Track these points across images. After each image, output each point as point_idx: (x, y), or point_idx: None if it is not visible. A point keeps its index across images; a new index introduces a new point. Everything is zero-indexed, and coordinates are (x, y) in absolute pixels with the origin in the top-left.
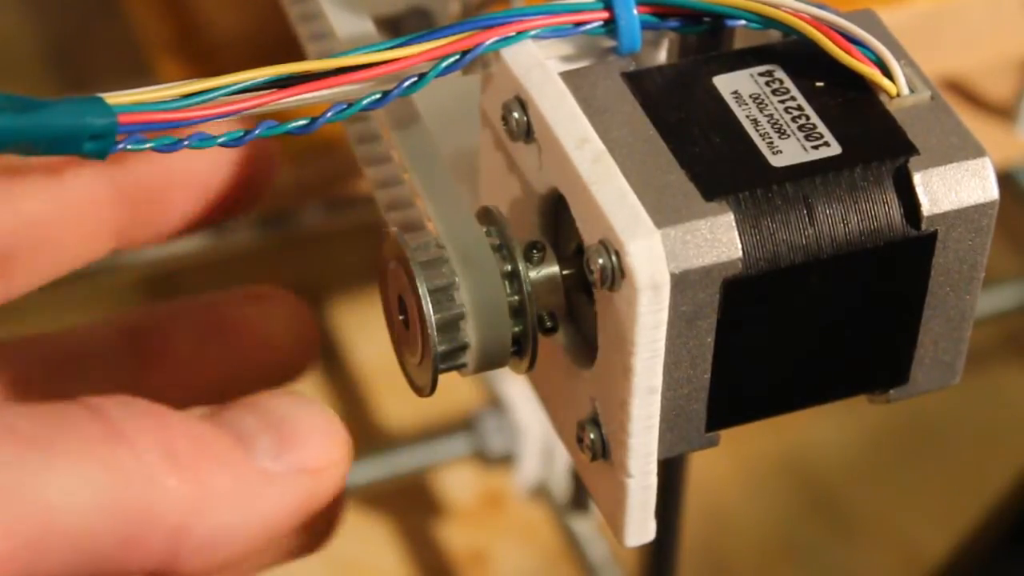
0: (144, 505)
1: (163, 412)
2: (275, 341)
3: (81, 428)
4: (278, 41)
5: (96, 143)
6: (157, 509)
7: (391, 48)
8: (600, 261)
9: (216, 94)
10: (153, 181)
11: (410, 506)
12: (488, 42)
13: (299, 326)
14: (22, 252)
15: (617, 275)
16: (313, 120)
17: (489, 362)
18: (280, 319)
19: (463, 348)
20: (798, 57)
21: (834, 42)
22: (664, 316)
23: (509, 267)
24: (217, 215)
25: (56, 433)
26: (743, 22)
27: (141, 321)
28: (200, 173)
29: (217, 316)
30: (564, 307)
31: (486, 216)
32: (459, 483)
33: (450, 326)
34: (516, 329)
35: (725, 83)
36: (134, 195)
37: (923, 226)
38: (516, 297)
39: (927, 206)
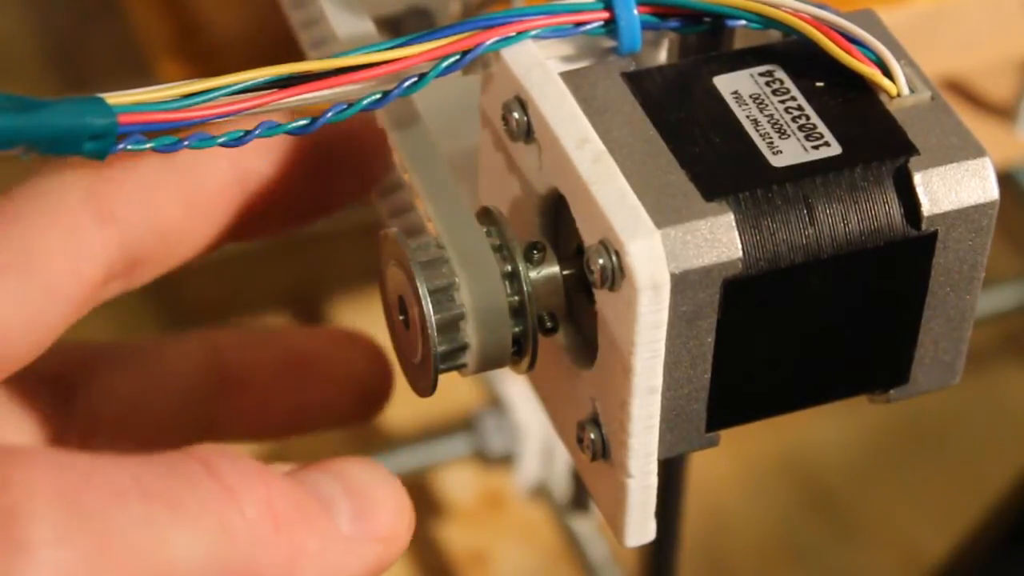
0: (248, 563)
1: (265, 469)
2: (354, 385)
3: (198, 484)
4: (278, 41)
5: (96, 143)
6: (258, 567)
7: (391, 48)
8: (600, 261)
9: (216, 94)
10: (271, 170)
11: None
12: (488, 42)
13: (378, 373)
14: (150, 254)
15: (617, 275)
16: (313, 120)
17: (489, 362)
18: (362, 364)
19: (463, 348)
20: (798, 57)
21: (834, 42)
22: (664, 316)
23: (509, 267)
24: (337, 198)
25: (178, 489)
26: (743, 22)
27: (226, 344)
28: (312, 163)
29: (300, 351)
30: (564, 307)
31: (486, 216)
32: (459, 483)
33: (450, 326)
34: (516, 329)
35: (725, 83)
36: (254, 186)
37: (923, 226)
38: (516, 297)
39: (927, 206)
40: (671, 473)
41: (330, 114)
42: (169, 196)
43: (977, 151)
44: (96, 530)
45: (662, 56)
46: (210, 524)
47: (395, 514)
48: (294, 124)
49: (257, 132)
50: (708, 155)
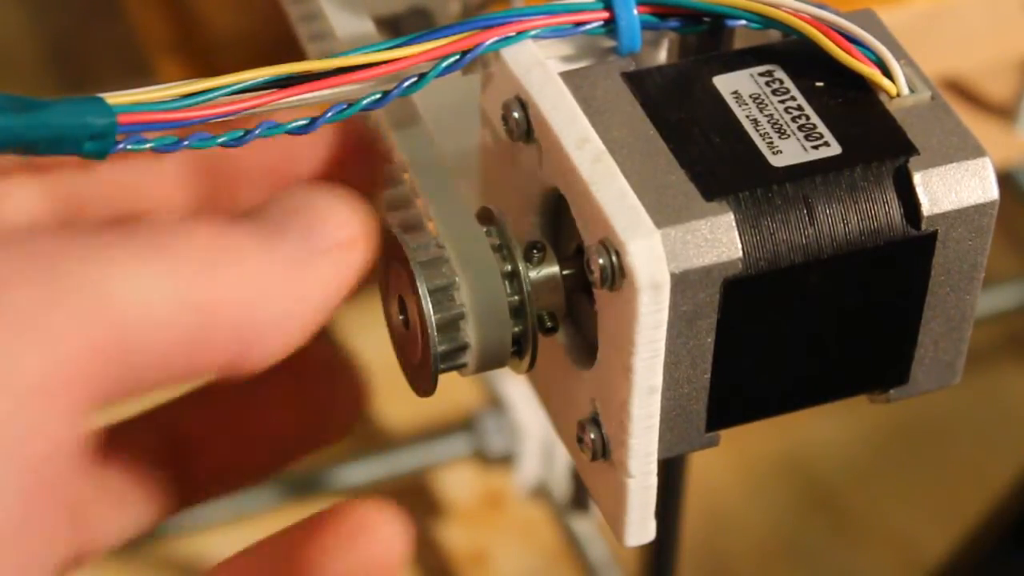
0: (209, 298)
1: (213, 214)
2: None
3: (139, 230)
4: (278, 41)
5: (96, 143)
6: (220, 302)
7: (391, 48)
8: (600, 261)
9: (216, 94)
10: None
11: (410, 506)
12: (488, 42)
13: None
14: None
15: (617, 275)
16: (313, 120)
17: (489, 362)
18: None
19: (463, 348)
20: (798, 57)
21: (834, 42)
22: (664, 316)
23: (509, 267)
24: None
25: (115, 235)
26: (743, 22)
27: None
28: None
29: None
30: (564, 307)
31: (486, 216)
32: (459, 483)
33: (450, 326)
34: (516, 329)
35: (725, 83)
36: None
37: (923, 226)
38: (516, 297)
39: (927, 206)
40: (671, 473)
41: (330, 114)
42: None
43: (977, 151)
44: (46, 268)
45: (662, 56)
46: (158, 263)
47: (347, 218)
48: (294, 124)
49: (257, 132)
50: (708, 155)
